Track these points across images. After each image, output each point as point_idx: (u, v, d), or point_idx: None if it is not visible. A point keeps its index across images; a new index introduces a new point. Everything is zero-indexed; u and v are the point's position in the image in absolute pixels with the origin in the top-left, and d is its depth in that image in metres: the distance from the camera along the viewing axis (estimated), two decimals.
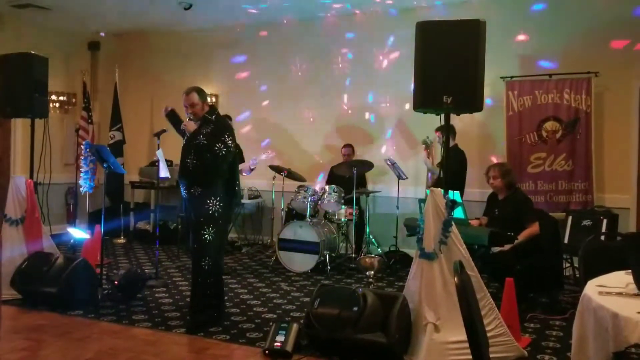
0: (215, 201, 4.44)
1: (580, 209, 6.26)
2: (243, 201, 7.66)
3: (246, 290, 5.68)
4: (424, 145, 6.58)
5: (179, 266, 6.72)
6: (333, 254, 6.72)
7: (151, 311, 4.90)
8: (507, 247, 4.96)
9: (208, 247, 4.44)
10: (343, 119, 7.95)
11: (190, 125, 4.47)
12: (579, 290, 2.69)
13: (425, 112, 4.11)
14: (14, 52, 5.51)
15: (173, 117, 4.98)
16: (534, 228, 5.07)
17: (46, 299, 4.95)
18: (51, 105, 8.48)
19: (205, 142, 4.40)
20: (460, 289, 2.15)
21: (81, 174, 7.82)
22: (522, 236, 5.00)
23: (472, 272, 3.68)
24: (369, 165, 7.03)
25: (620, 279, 2.70)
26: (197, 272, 4.53)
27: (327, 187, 6.87)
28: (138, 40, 9.28)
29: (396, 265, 6.65)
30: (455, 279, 2.19)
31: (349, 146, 7.52)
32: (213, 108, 4.68)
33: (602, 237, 4.93)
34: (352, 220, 6.81)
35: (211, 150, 4.39)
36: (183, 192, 4.59)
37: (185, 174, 4.53)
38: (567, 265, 5.90)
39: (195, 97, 4.53)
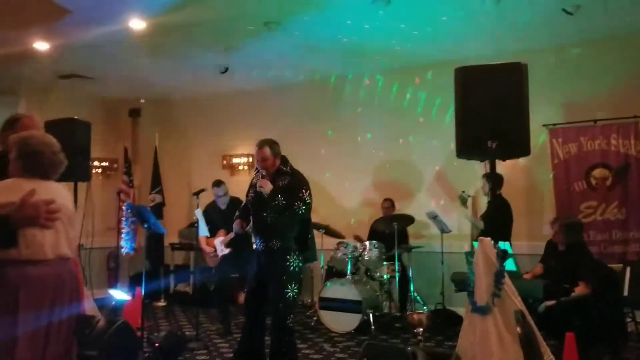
0: (294, 256, 4.37)
1: (638, 260, 5.92)
2: None
3: None
4: (461, 201, 6.40)
5: (218, 328, 6.55)
6: (377, 313, 6.45)
7: None
8: (550, 303, 4.70)
9: (293, 305, 4.36)
10: (381, 172, 7.85)
11: (267, 186, 4.32)
12: None
13: (469, 159, 3.98)
14: (58, 118, 5.67)
15: None
16: (585, 289, 4.82)
17: None
18: (93, 171, 8.67)
19: (284, 202, 4.28)
20: (524, 339, 1.97)
21: (122, 235, 7.87)
22: (574, 294, 4.78)
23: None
24: (409, 220, 6.85)
25: None
26: (282, 330, 4.32)
27: (367, 243, 6.70)
28: (176, 105, 9.50)
29: (444, 324, 6.33)
30: (518, 329, 2.02)
31: (388, 200, 7.39)
32: (285, 159, 4.56)
33: None
34: (394, 277, 6.58)
35: (290, 209, 4.29)
36: (259, 246, 4.43)
37: (262, 228, 4.41)
38: (629, 319, 5.51)
39: (267, 151, 4.42)
